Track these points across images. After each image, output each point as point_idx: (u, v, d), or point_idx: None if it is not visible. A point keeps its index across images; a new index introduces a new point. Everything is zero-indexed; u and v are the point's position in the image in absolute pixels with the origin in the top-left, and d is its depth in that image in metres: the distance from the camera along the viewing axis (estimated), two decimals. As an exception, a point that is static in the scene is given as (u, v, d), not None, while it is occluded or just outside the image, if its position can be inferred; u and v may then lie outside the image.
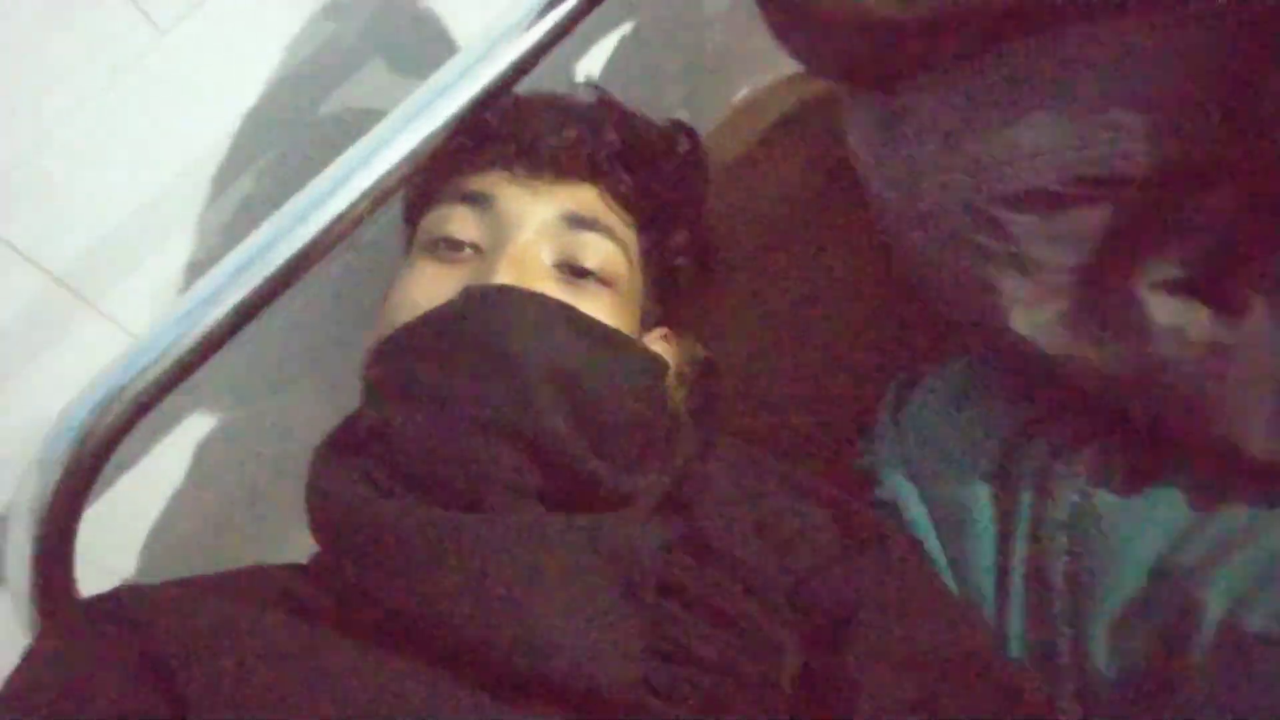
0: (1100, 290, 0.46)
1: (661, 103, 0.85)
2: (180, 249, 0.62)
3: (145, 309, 0.61)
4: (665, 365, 0.58)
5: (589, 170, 0.58)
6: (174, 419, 0.66)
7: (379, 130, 0.55)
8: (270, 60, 0.60)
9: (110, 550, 0.65)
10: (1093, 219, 0.45)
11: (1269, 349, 0.42)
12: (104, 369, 0.51)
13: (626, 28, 0.78)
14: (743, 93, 0.80)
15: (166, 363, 0.51)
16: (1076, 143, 0.45)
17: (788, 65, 0.68)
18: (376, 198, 0.55)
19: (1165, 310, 0.44)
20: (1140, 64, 0.45)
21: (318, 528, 0.54)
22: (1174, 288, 0.44)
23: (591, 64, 0.77)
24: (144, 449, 0.65)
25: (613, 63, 0.78)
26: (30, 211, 0.55)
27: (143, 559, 0.68)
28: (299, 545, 0.76)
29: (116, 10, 0.54)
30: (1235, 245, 0.44)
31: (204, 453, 0.68)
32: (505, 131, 0.57)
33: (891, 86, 0.52)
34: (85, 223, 0.57)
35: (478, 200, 0.56)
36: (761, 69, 0.75)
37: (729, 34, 0.86)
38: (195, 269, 0.62)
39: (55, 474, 0.50)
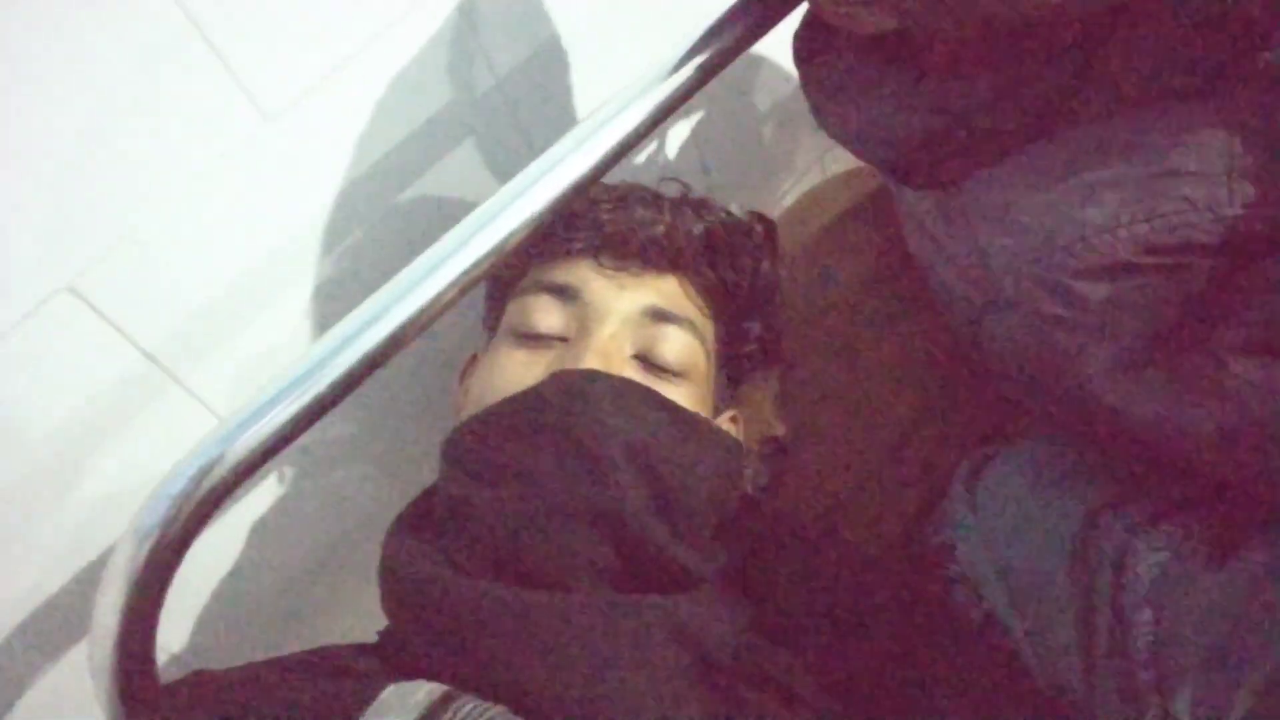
0: (1181, 354, 0.47)
1: (717, 198, 0.89)
2: (264, 330, 0.63)
3: (227, 387, 0.62)
4: (743, 449, 0.59)
5: (673, 263, 0.60)
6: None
7: (469, 221, 0.57)
8: (366, 150, 0.63)
9: (171, 618, 0.65)
10: (1168, 285, 0.47)
11: None
12: (205, 437, 0.52)
13: (685, 127, 0.82)
14: (790, 184, 0.84)
15: (264, 434, 0.52)
16: (1144, 214, 0.47)
17: (835, 163, 0.73)
18: (465, 285, 0.56)
19: (1245, 369, 0.45)
20: (1202, 137, 0.47)
21: (392, 604, 0.54)
22: (1253, 348, 0.45)
23: (652, 160, 0.81)
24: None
25: (672, 160, 0.82)
26: (127, 287, 0.56)
27: (204, 629, 0.67)
28: (358, 615, 0.76)
29: (228, 96, 0.56)
30: None
31: (267, 522, 0.68)
32: (593, 222, 0.59)
33: (944, 183, 0.56)
34: (177, 300, 0.59)
35: (564, 292, 0.58)
36: (814, 168, 0.79)
37: (782, 131, 0.91)
38: (276, 351, 0.64)
39: (150, 542, 0.50)
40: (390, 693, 0.44)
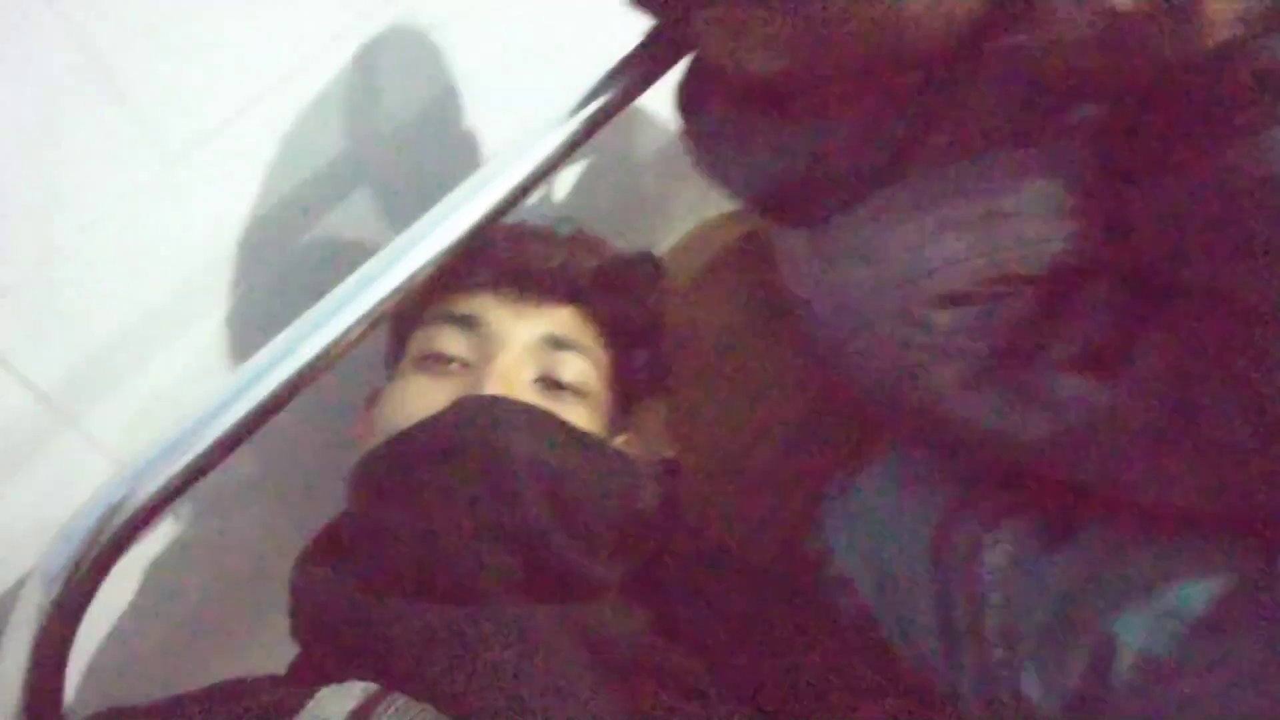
0: (1017, 370, 0.53)
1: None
2: (162, 373, 0.64)
3: (123, 430, 0.62)
4: (639, 467, 0.63)
5: (570, 294, 0.64)
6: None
7: (374, 262, 0.58)
8: (268, 193, 0.65)
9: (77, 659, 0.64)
10: (1004, 311, 0.54)
11: (1140, 412, 0.50)
12: (109, 480, 0.52)
13: (572, 173, 0.87)
14: (674, 224, 0.90)
15: (169, 475, 0.52)
16: (984, 251, 0.54)
17: (714, 207, 0.79)
18: (369, 324, 0.57)
19: (1067, 384, 0.52)
20: (1030, 181, 0.54)
21: (305, 630, 0.56)
22: (1075, 364, 0.52)
23: (541, 205, 0.85)
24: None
25: (559, 203, 0.86)
26: (26, 328, 0.56)
27: (105, 674, 0.66)
28: (266, 652, 0.75)
29: (130, 137, 0.57)
30: (1118, 324, 0.52)
31: (167, 563, 0.68)
32: (493, 257, 0.63)
33: (814, 221, 0.62)
34: (75, 342, 0.59)
35: (467, 321, 0.62)
36: (689, 215, 0.86)
37: (660, 181, 0.96)
38: (175, 394, 0.64)
39: (56, 587, 0.50)
40: (327, 692, 0.45)
